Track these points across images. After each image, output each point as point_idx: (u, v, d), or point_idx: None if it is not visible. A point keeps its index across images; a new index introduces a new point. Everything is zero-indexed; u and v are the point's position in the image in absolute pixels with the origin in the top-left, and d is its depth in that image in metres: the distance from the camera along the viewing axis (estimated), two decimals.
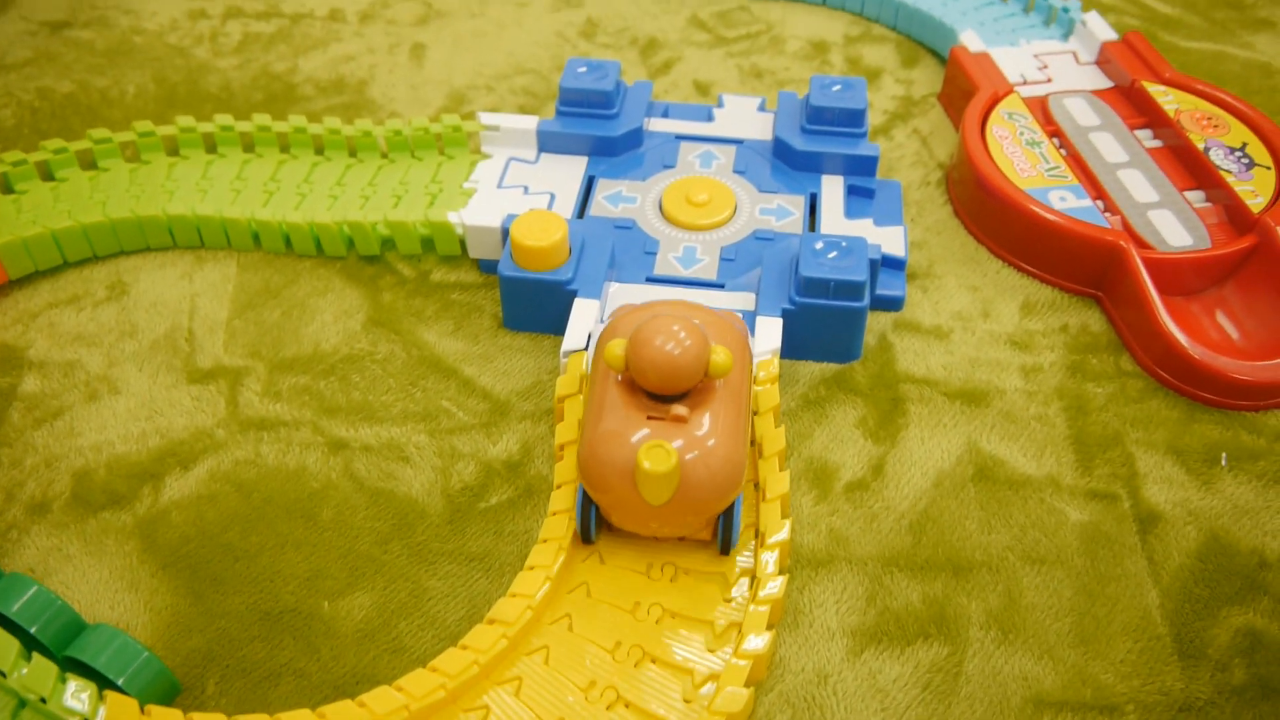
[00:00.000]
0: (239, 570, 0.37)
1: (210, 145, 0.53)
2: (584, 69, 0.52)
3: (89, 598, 0.36)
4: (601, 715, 0.32)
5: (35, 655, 0.30)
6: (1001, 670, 0.35)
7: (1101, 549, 0.38)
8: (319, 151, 0.53)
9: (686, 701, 0.32)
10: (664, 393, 0.34)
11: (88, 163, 0.52)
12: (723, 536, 0.35)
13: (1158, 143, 0.52)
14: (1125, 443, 0.41)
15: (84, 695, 0.30)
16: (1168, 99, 0.53)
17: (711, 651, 0.34)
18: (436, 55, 0.63)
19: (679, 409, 0.34)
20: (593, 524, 0.36)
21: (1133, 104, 0.54)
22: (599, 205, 0.49)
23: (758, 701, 0.34)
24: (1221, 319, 0.45)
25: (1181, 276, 0.45)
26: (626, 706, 0.32)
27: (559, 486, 0.37)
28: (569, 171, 0.50)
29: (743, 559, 0.36)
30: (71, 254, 0.49)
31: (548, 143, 0.52)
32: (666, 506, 0.34)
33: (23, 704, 0.30)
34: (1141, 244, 0.46)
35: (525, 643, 0.34)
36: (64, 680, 0.30)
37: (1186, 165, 0.50)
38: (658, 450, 0.33)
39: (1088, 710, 0.34)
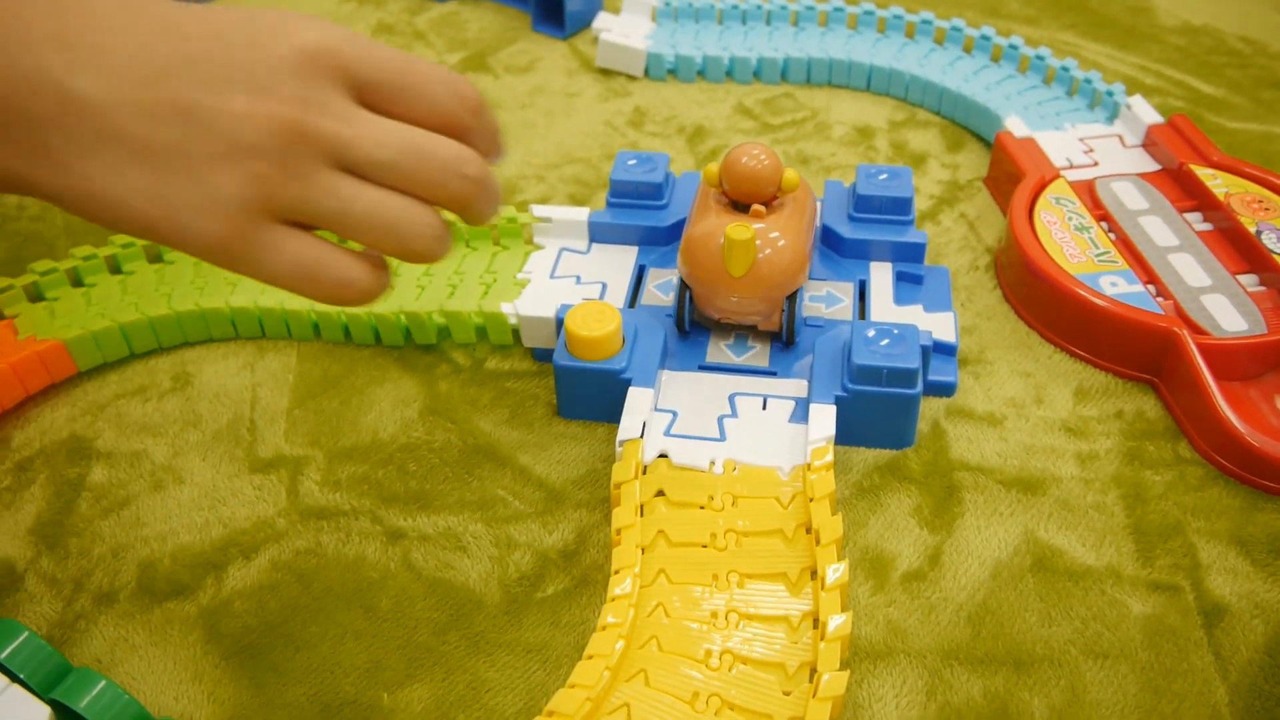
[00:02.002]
0: (300, 661, 0.38)
1: None
2: (633, 161, 0.53)
3: (154, 688, 0.37)
4: None
5: None
6: None
7: (1166, 643, 0.37)
8: None
9: None
10: (747, 199, 0.44)
11: (153, 256, 0.54)
12: (786, 325, 0.45)
13: (1208, 226, 0.52)
14: (1186, 532, 0.41)
15: None
16: (1216, 182, 0.53)
17: None
18: None
19: (758, 208, 0.44)
20: (686, 312, 0.46)
21: (1181, 187, 0.54)
22: (650, 294, 0.49)
23: None
24: None
25: (1238, 362, 0.45)
26: None
27: (616, 572, 0.37)
28: (620, 261, 0.51)
29: (802, 651, 0.36)
30: (138, 346, 0.50)
31: (599, 233, 0.53)
32: (745, 279, 0.43)
33: None
34: (1196, 329, 0.46)
35: None
36: None
37: (1238, 249, 0.50)
38: (740, 227, 0.42)
39: None
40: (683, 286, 0.46)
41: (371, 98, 0.32)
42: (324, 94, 0.31)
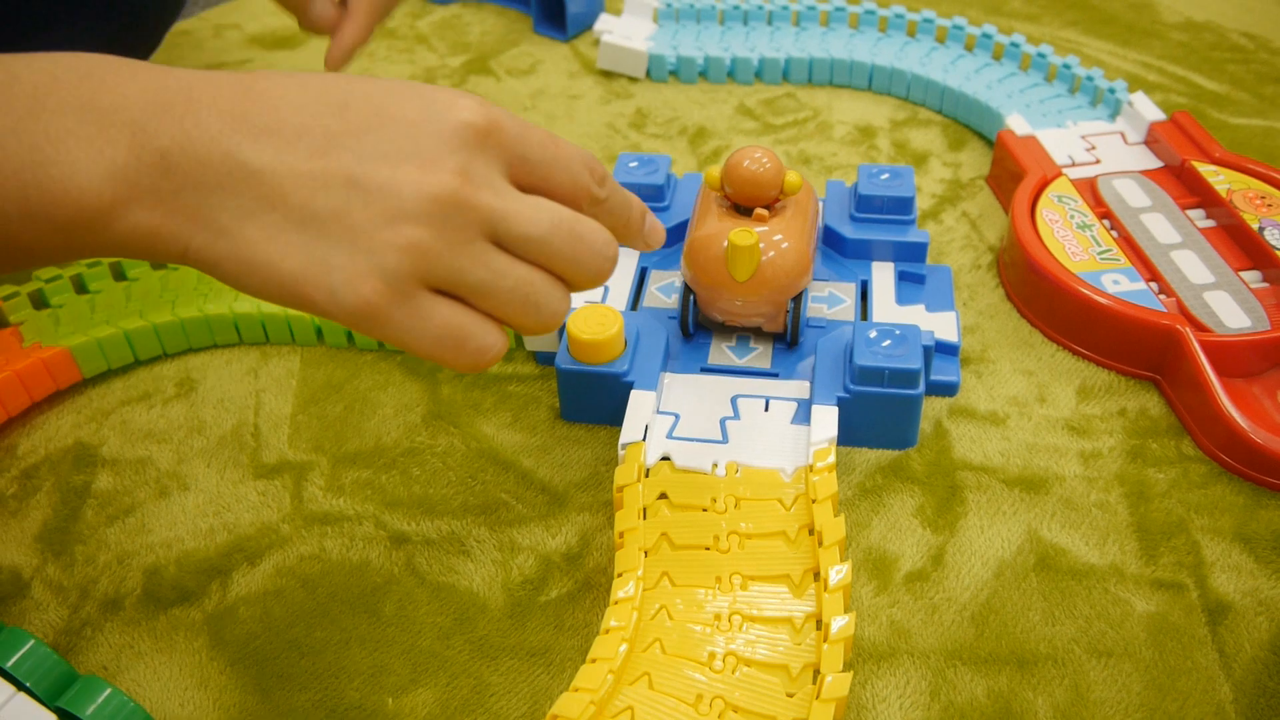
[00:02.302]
0: (305, 666, 0.38)
1: None
2: (635, 163, 0.53)
3: (160, 695, 0.37)
4: None
5: None
6: None
7: (1170, 641, 0.37)
8: None
9: None
10: (749, 203, 0.45)
11: (158, 263, 0.54)
12: (791, 327, 0.45)
13: (1210, 223, 0.52)
14: (1190, 530, 0.41)
15: None
16: (1219, 179, 0.53)
17: None
18: None
19: (760, 211, 0.44)
20: (691, 315, 0.46)
21: (1183, 184, 0.54)
22: (652, 296, 0.49)
23: None
24: None
25: (1241, 358, 0.45)
26: None
27: (619, 575, 0.37)
28: (622, 264, 0.51)
29: (805, 652, 0.36)
30: (143, 352, 0.50)
31: None
32: (749, 283, 0.43)
33: None
34: (1199, 326, 0.46)
35: None
36: None
37: (1241, 245, 0.50)
38: (743, 232, 0.43)
39: None
40: (686, 290, 0.46)
41: (521, 173, 0.33)
42: (485, 169, 0.32)
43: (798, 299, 0.45)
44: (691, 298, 0.46)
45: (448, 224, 0.31)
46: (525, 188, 0.33)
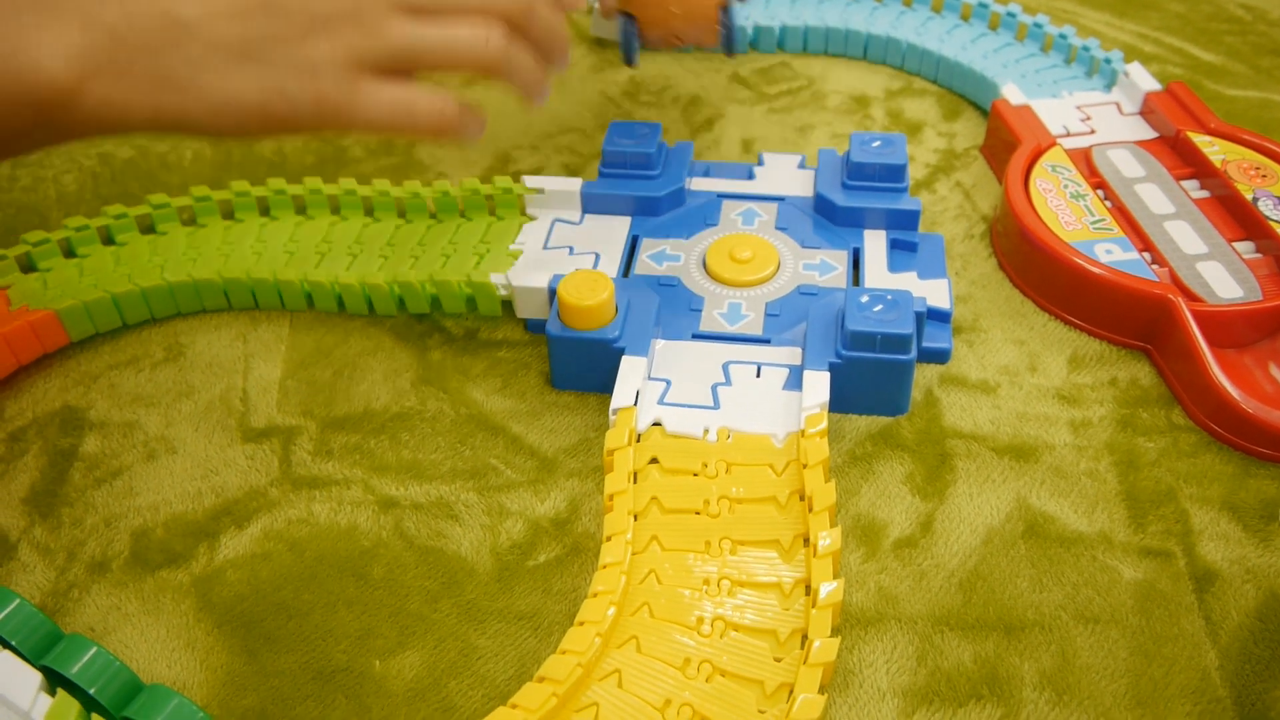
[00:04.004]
0: (292, 629, 0.38)
1: (264, 209, 0.54)
2: (626, 130, 0.53)
3: (147, 656, 0.37)
4: None
5: (94, 716, 0.31)
6: None
7: (1157, 608, 0.37)
8: (369, 213, 0.54)
9: None
10: None
11: (146, 227, 0.54)
12: (726, 36, 0.51)
13: (1204, 193, 0.52)
14: (1179, 498, 0.41)
15: None
16: (1214, 149, 0.53)
17: (762, 712, 0.33)
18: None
19: None
20: (634, 46, 0.51)
21: (1178, 155, 0.54)
22: (643, 264, 0.49)
23: None
24: (1275, 371, 0.44)
25: (1233, 329, 0.45)
26: None
27: (609, 539, 0.37)
28: (613, 232, 0.51)
29: (793, 617, 0.36)
30: (130, 316, 0.50)
31: (591, 204, 0.52)
32: None
33: None
34: (1191, 296, 0.46)
35: (575, 700, 0.34)
36: None
37: (1235, 216, 0.50)
38: None
39: None
40: (625, 18, 0.51)
41: None
42: None
43: (726, 9, 0.50)
44: (633, 27, 0.50)
45: (359, 13, 0.36)
46: None
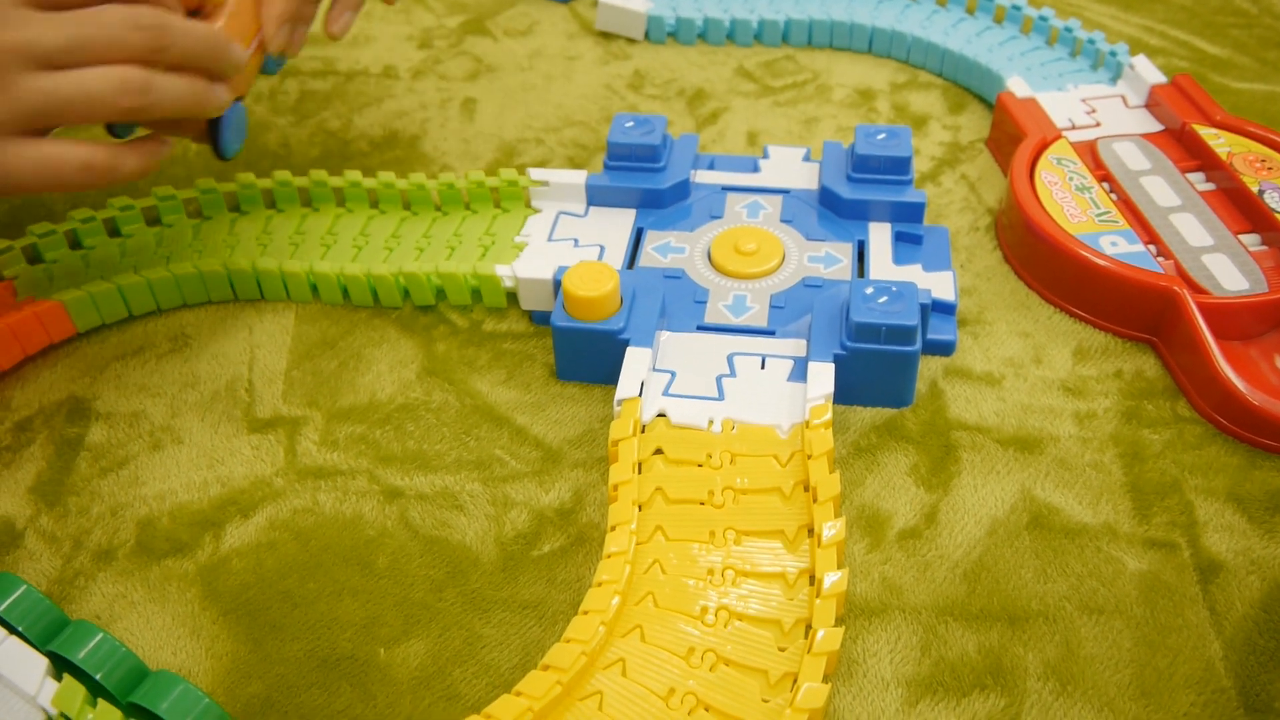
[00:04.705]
0: (297, 617, 0.38)
1: (269, 201, 0.55)
2: (631, 123, 0.53)
3: (152, 644, 0.37)
4: None
5: (100, 702, 0.31)
6: None
7: (1161, 599, 0.37)
8: (374, 205, 0.54)
9: None
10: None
11: (152, 219, 0.54)
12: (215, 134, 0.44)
13: (1210, 186, 0.52)
14: (1184, 490, 0.41)
15: None
16: (1219, 142, 0.53)
17: (766, 702, 0.33)
18: (487, 109, 0.64)
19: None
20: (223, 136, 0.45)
21: (1184, 147, 0.54)
22: (648, 256, 0.49)
23: None
24: None
25: (1238, 321, 0.45)
26: None
27: (613, 528, 0.37)
28: (618, 224, 0.51)
29: (798, 607, 0.36)
30: (136, 307, 0.50)
31: (596, 196, 0.52)
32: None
33: None
34: (1196, 288, 0.46)
35: (579, 688, 0.34)
36: None
37: (1240, 208, 0.50)
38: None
39: None
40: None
41: None
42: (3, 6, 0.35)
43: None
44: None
45: None
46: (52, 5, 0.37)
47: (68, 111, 0.36)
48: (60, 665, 0.32)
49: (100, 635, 0.32)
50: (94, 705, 0.31)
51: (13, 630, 0.32)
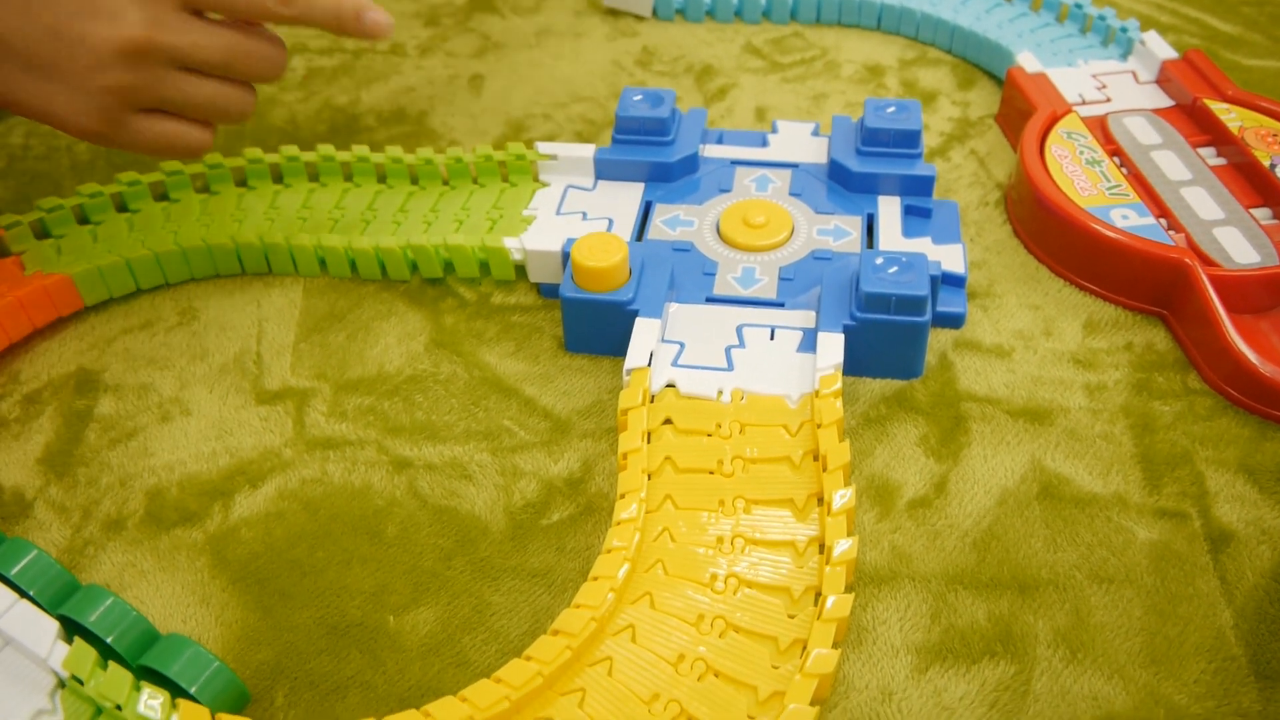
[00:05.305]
0: (306, 585, 0.38)
1: (277, 176, 0.54)
2: (639, 97, 0.53)
3: (162, 611, 0.37)
4: None
5: (111, 664, 0.31)
6: (1071, 689, 0.34)
7: (1172, 568, 0.37)
8: (381, 180, 0.54)
9: (750, 718, 0.32)
10: None
11: (160, 194, 0.54)
12: None
13: (1221, 160, 0.51)
14: (1194, 461, 0.41)
15: (156, 703, 0.30)
16: (1231, 116, 0.52)
17: (775, 668, 0.33)
18: (494, 85, 0.64)
19: None
20: None
21: (1195, 122, 0.54)
22: (657, 229, 0.49)
23: (822, 719, 0.33)
24: None
25: (1249, 294, 0.44)
26: None
27: (623, 496, 0.37)
28: (626, 197, 0.51)
29: (807, 575, 0.36)
30: (144, 281, 0.50)
31: (605, 170, 0.52)
32: None
33: (99, 711, 0.30)
34: (1207, 261, 0.45)
35: (589, 654, 0.34)
36: (138, 688, 0.30)
37: (1252, 182, 0.50)
38: None
39: None
40: None
41: (202, 3, 0.42)
42: (163, 13, 0.41)
43: None
44: None
45: (140, 65, 0.41)
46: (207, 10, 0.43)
47: (190, 111, 0.44)
48: (71, 629, 0.32)
49: (111, 599, 0.32)
50: (105, 668, 0.31)
51: (24, 594, 0.32)
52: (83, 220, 0.52)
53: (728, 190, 0.51)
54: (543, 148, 0.53)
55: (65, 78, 0.41)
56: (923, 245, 0.47)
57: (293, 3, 0.43)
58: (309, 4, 0.43)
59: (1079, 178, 0.50)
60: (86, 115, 0.42)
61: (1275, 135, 0.51)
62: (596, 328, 0.45)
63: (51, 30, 0.40)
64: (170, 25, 0.41)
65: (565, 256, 0.47)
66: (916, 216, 0.49)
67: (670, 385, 0.42)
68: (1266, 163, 0.49)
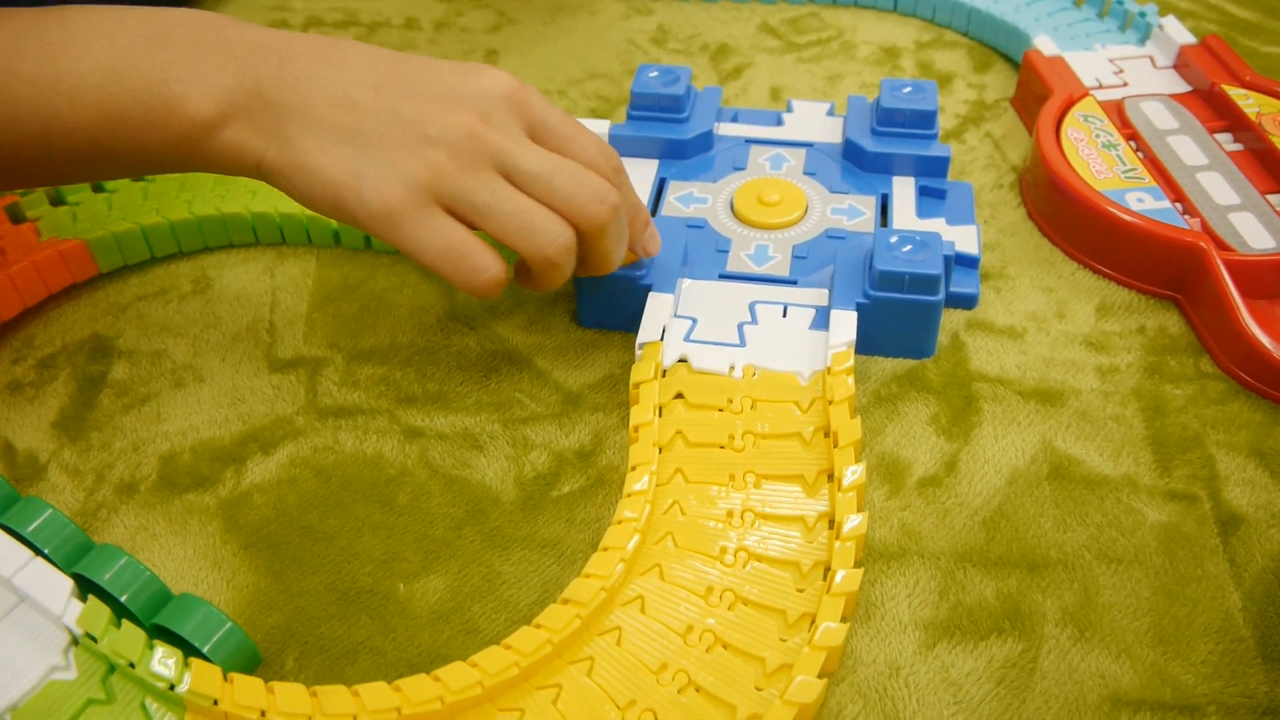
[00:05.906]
0: (317, 551, 0.38)
1: None
2: (655, 74, 0.53)
3: (174, 574, 0.37)
4: (673, 698, 0.32)
5: (124, 622, 0.31)
6: (1078, 667, 0.34)
7: (1181, 550, 0.37)
8: None
9: (758, 689, 0.32)
10: None
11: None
12: None
13: (1238, 146, 0.51)
14: (1205, 444, 0.41)
15: (170, 661, 0.30)
16: (1248, 102, 0.52)
17: (784, 640, 0.34)
18: (509, 62, 0.64)
19: None
20: None
21: (1212, 107, 0.54)
22: (671, 206, 0.49)
23: (829, 693, 0.34)
24: None
25: (1264, 279, 0.44)
26: (698, 690, 0.32)
27: (634, 468, 0.37)
28: (641, 174, 0.51)
29: (817, 550, 0.36)
30: (159, 249, 0.50)
31: (619, 146, 0.52)
32: None
33: (112, 668, 0.31)
34: (1222, 246, 0.45)
35: (598, 623, 0.34)
36: (151, 647, 0.31)
37: (1269, 169, 0.49)
38: None
39: (1167, 710, 0.33)
40: None
41: (541, 135, 0.39)
42: (504, 119, 0.38)
43: None
44: None
45: (463, 151, 0.37)
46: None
47: (495, 220, 0.37)
48: (85, 587, 0.32)
49: (125, 558, 0.32)
50: (118, 626, 0.31)
51: (39, 552, 0.32)
52: (98, 189, 0.52)
53: (742, 168, 0.51)
54: None
55: (383, 148, 0.37)
56: (937, 226, 0.47)
57: (618, 179, 0.40)
58: (625, 190, 0.41)
59: (1094, 161, 0.49)
60: (389, 188, 0.36)
61: None
62: (610, 302, 0.45)
63: (391, 108, 0.37)
64: (509, 130, 0.38)
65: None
66: (931, 197, 0.49)
67: (682, 360, 0.42)
68: None
